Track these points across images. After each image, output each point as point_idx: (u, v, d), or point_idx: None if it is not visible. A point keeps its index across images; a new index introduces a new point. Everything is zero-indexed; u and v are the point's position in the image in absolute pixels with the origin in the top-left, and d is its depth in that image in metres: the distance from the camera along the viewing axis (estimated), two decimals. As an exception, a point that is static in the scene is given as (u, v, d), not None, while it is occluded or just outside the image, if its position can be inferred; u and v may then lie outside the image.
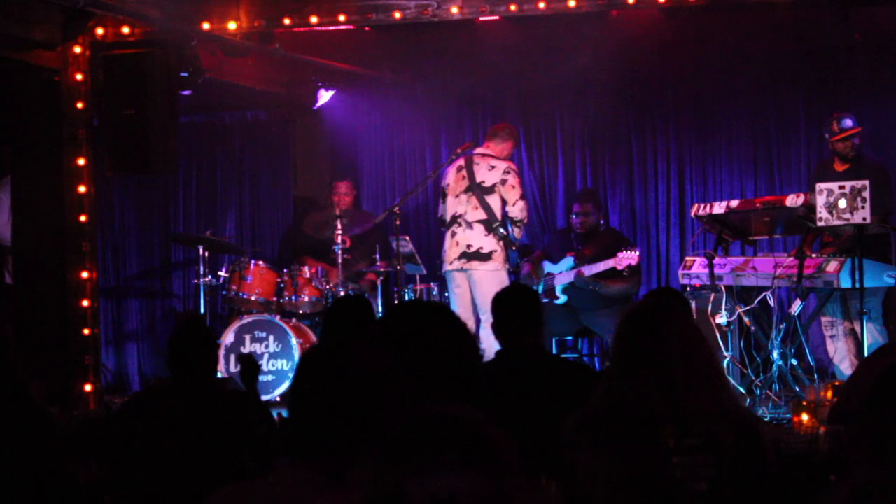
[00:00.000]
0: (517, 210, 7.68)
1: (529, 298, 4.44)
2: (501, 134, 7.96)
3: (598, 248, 7.95)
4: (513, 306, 4.37)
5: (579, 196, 8.49)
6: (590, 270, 7.77)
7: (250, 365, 4.80)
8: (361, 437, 2.29)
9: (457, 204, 7.77)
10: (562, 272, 8.05)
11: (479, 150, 7.90)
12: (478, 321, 7.58)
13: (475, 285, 7.64)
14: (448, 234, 7.80)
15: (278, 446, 4.02)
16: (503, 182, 7.70)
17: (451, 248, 7.74)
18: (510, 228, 7.68)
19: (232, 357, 7.71)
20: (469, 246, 7.65)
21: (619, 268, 7.64)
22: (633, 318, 3.11)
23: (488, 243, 7.64)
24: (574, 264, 7.98)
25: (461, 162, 7.87)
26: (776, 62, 8.51)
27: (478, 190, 7.70)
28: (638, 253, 7.71)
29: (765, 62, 8.52)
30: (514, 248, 7.71)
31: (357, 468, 2.21)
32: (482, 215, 7.66)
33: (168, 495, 3.98)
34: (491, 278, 7.53)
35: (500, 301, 4.44)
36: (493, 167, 7.76)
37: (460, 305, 7.66)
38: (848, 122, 7.12)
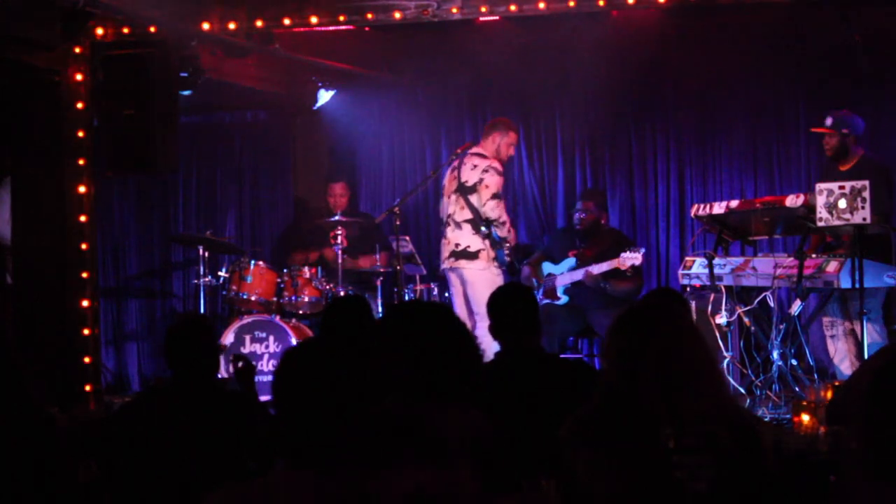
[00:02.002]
0: (488, 209, 7.71)
1: (525, 298, 4.44)
2: (488, 130, 7.99)
3: (601, 249, 7.98)
4: (509, 306, 4.37)
5: (583, 194, 8.56)
6: (598, 269, 7.79)
7: (245, 366, 4.80)
8: (346, 437, 2.30)
9: (449, 204, 7.88)
10: (563, 272, 8.06)
11: (473, 150, 7.93)
12: (474, 321, 7.60)
13: (466, 284, 7.72)
14: (443, 235, 7.88)
15: (278, 447, 4.02)
16: (480, 181, 7.74)
17: (444, 248, 7.86)
18: (493, 227, 7.70)
19: (235, 354, 7.72)
20: (458, 245, 7.73)
21: (623, 268, 7.65)
22: (630, 318, 3.11)
23: (475, 242, 7.70)
24: (576, 264, 8.00)
25: (456, 163, 7.93)
26: (776, 62, 8.50)
27: (462, 190, 7.76)
28: (642, 252, 7.73)
29: (765, 62, 8.51)
30: (502, 248, 7.72)
31: (348, 468, 2.22)
32: (468, 215, 7.74)
33: (168, 495, 3.98)
34: (480, 277, 7.62)
35: (495, 301, 4.45)
36: (475, 166, 7.79)
37: (457, 305, 7.72)
38: (827, 121, 7.14)
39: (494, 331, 4.38)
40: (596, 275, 7.80)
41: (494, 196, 7.72)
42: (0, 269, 8.02)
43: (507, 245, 7.77)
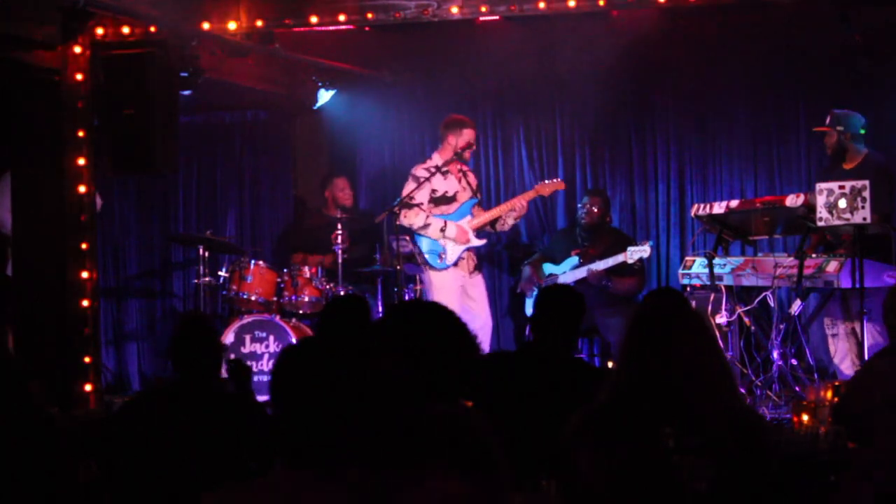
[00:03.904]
0: (400, 219, 7.79)
1: (567, 301, 4.50)
2: (442, 133, 8.08)
3: (604, 247, 8.01)
4: (548, 304, 4.44)
5: (589, 191, 8.61)
6: (603, 265, 7.82)
7: (240, 368, 4.79)
8: (345, 437, 2.30)
9: None
10: (566, 272, 8.08)
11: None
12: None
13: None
14: None
15: (278, 447, 4.02)
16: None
17: None
18: (418, 234, 7.87)
19: (231, 357, 7.71)
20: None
21: (630, 261, 7.70)
22: (635, 319, 3.10)
23: (414, 248, 7.95)
24: (579, 262, 8.03)
25: None
26: (776, 62, 8.50)
27: None
28: (651, 245, 7.79)
29: (765, 62, 8.51)
30: (436, 253, 7.82)
31: (347, 468, 2.22)
32: None
33: (168, 495, 3.98)
34: (422, 279, 8.04)
35: (540, 297, 4.59)
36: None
37: None
38: (826, 119, 7.17)
39: (532, 325, 4.54)
40: (600, 272, 7.83)
41: (402, 206, 7.80)
42: (2, 260, 7.98)
43: (448, 241, 7.81)
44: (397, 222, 7.73)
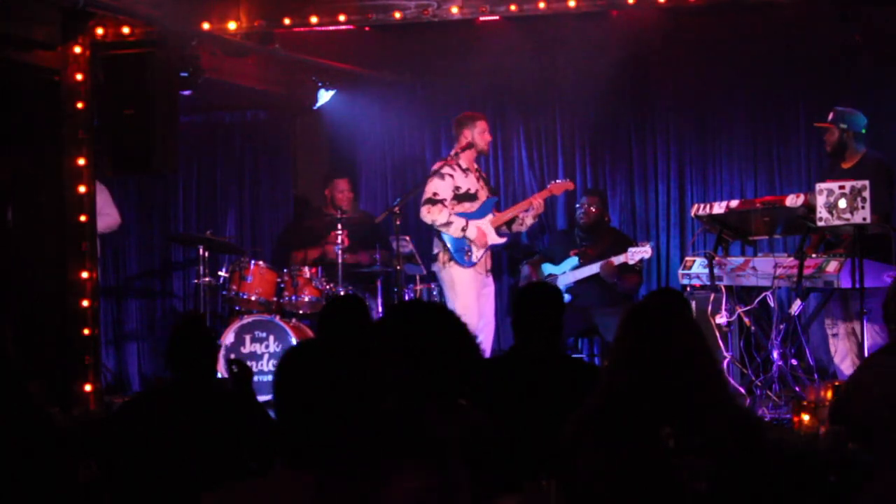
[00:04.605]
0: (422, 215, 7.77)
1: (548, 298, 4.48)
2: (457, 129, 7.98)
3: (603, 247, 8.02)
4: (530, 304, 4.43)
5: (587, 191, 8.64)
6: (617, 260, 7.84)
7: (241, 370, 4.78)
8: (344, 436, 2.30)
9: None
10: (566, 272, 8.09)
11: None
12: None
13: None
14: None
15: (278, 447, 4.02)
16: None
17: None
18: (442, 230, 7.80)
19: (232, 357, 7.71)
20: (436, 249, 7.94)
21: (631, 262, 7.73)
22: (634, 317, 3.11)
23: (437, 245, 7.86)
24: (579, 262, 8.04)
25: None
26: (776, 62, 8.51)
27: None
28: (651, 245, 7.81)
29: (765, 62, 8.52)
30: (462, 250, 7.74)
31: (347, 468, 2.22)
32: None
33: (168, 495, 3.98)
34: (441, 277, 7.89)
35: (520, 297, 4.52)
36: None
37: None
38: (829, 116, 7.17)
39: (514, 326, 4.50)
40: (614, 266, 7.84)
41: (426, 202, 7.75)
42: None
43: (470, 242, 7.75)
44: (394, 221, 7.71)
